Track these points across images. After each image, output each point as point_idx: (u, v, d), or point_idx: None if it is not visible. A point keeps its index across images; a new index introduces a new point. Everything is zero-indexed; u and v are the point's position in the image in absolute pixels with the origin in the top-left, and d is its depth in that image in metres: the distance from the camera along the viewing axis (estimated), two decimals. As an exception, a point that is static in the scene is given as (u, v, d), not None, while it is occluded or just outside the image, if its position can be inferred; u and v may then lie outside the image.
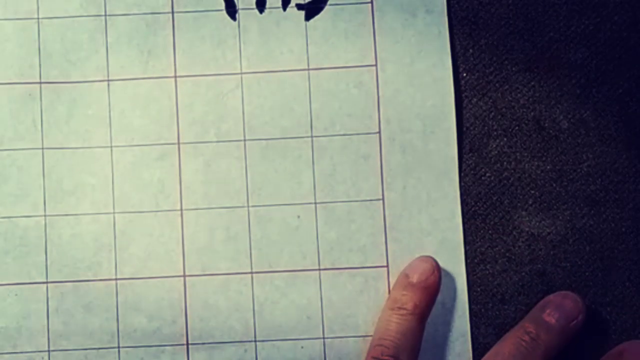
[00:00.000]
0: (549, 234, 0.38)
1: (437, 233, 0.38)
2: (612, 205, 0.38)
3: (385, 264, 0.38)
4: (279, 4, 0.38)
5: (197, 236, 0.38)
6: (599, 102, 0.38)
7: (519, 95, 0.38)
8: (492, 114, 0.39)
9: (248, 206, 0.38)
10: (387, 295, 0.37)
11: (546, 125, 0.38)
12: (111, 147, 0.38)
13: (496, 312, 0.38)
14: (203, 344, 0.37)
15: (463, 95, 0.38)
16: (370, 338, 0.37)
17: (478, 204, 0.38)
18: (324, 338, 0.37)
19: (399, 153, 0.38)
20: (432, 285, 0.36)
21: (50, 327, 0.37)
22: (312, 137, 0.38)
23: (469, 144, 0.38)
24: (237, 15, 0.38)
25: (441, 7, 0.38)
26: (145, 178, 0.38)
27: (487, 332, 0.38)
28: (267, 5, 0.38)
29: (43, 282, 0.37)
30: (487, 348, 0.37)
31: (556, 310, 0.36)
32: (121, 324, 0.37)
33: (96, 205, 0.38)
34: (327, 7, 0.38)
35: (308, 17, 0.39)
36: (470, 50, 0.39)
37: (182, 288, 0.37)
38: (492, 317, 0.38)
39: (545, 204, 0.38)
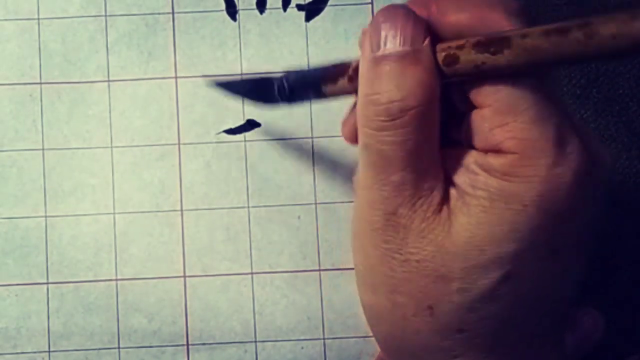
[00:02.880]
0: (549, 234, 0.38)
1: (438, 233, 0.38)
2: (612, 205, 0.38)
3: (385, 264, 0.38)
4: (280, 4, 0.38)
5: (198, 237, 0.38)
6: (599, 102, 0.38)
7: (519, 95, 0.38)
8: (492, 114, 0.38)
9: (248, 207, 0.38)
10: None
11: (546, 125, 0.38)
12: (111, 147, 0.38)
13: (496, 313, 0.38)
14: (203, 344, 0.37)
15: (463, 95, 0.38)
16: (370, 339, 0.37)
17: (478, 204, 0.38)
18: (324, 339, 0.37)
19: (399, 153, 0.38)
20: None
21: (50, 327, 0.37)
22: (312, 137, 0.38)
23: (469, 145, 0.38)
24: (237, 15, 0.38)
25: (441, 7, 0.38)
26: (146, 178, 0.38)
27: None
28: (268, 5, 0.38)
29: (43, 283, 0.37)
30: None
31: (573, 327, 0.35)
32: (121, 324, 0.37)
33: (96, 206, 0.38)
34: (327, 8, 0.39)
35: (308, 18, 0.39)
36: (470, 51, 0.39)
37: (183, 288, 0.37)
38: (492, 318, 0.38)
39: (545, 204, 0.38)
